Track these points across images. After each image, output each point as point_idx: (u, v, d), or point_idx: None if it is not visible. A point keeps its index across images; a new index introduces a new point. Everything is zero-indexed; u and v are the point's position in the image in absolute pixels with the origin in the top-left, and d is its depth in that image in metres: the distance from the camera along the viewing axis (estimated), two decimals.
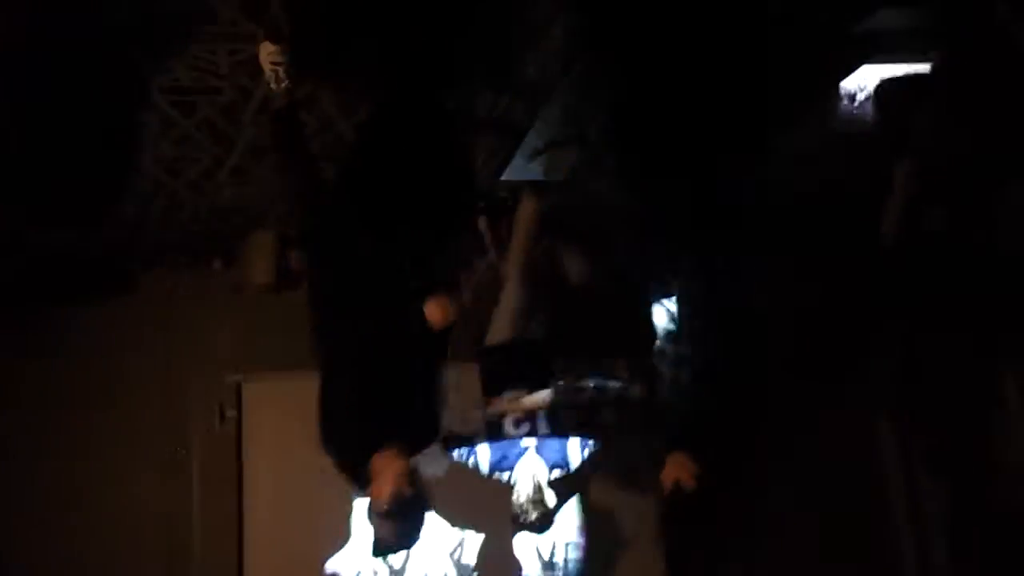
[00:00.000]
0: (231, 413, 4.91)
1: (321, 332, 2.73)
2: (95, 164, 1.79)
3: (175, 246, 4.68)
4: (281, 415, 4.88)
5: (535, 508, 3.24)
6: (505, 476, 3.41)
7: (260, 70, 2.92)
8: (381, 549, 2.63)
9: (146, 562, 4.72)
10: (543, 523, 3.24)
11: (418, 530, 2.62)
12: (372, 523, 2.57)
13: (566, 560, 2.96)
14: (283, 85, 2.82)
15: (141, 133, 1.76)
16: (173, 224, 4.37)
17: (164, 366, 4.91)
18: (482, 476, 3.54)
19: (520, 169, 3.64)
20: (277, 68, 2.77)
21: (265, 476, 4.85)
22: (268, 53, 2.77)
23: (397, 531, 2.55)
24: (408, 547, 2.68)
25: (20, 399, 4.72)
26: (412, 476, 2.52)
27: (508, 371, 3.30)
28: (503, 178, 3.74)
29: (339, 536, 4.73)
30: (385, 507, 2.49)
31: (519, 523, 3.31)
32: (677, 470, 2.56)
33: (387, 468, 2.48)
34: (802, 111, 2.59)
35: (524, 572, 2.86)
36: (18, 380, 4.72)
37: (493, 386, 3.28)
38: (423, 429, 2.72)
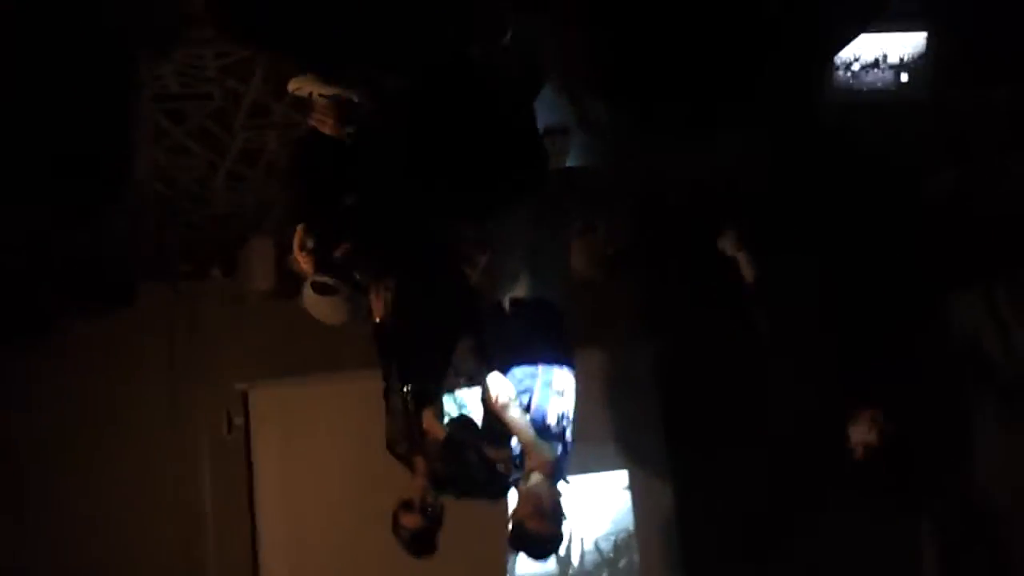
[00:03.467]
0: (239, 421, 4.89)
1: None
2: (91, 169, 1.74)
3: (174, 256, 4.64)
4: (288, 420, 4.91)
5: None
6: None
7: (250, 72, 2.88)
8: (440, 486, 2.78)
9: (163, 571, 4.71)
10: None
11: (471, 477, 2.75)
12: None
13: (561, 426, 2.90)
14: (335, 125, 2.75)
15: (133, 138, 1.73)
16: (171, 234, 4.33)
17: (169, 377, 4.89)
18: None
19: None
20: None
21: (275, 480, 4.86)
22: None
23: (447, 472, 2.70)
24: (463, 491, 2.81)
25: (29, 412, 4.69)
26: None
27: None
28: None
29: (350, 531, 4.78)
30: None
31: None
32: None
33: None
34: (800, 79, 2.55)
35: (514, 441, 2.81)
36: (26, 394, 4.70)
37: None
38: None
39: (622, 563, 5.04)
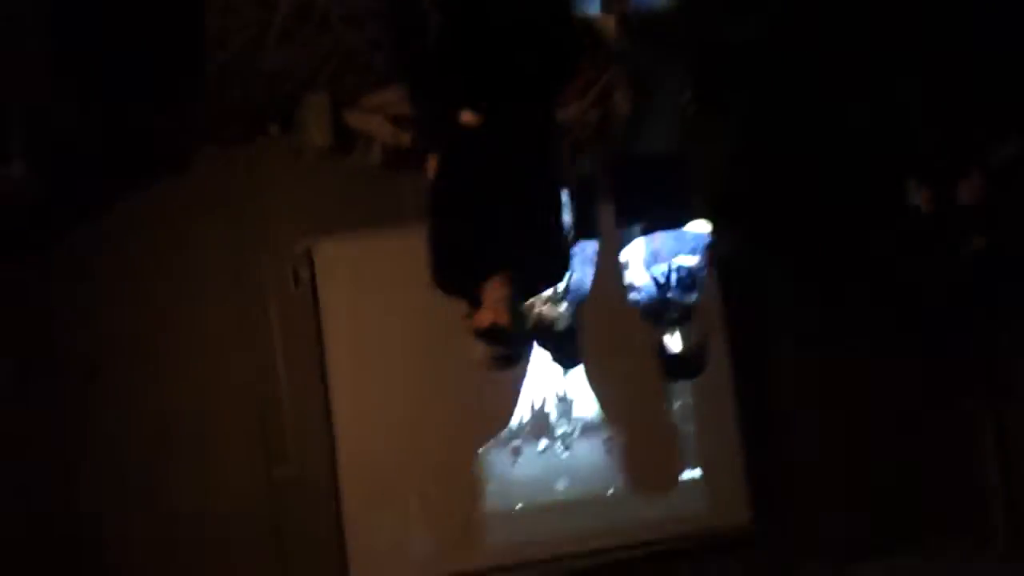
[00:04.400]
0: (305, 275, 4.98)
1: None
2: (145, 39, 1.74)
3: (231, 118, 4.65)
4: (353, 274, 5.01)
5: None
6: None
7: None
8: (488, 366, 2.74)
9: (235, 430, 4.93)
10: None
11: (518, 354, 2.74)
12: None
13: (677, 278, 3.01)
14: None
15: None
16: (226, 96, 4.33)
17: (231, 237, 4.98)
18: None
19: None
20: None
21: (345, 333, 4.98)
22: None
23: (494, 353, 2.65)
24: (508, 367, 2.78)
25: (94, 277, 4.83)
26: (511, 305, 2.56)
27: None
28: None
29: (422, 383, 4.96)
30: (480, 332, 2.57)
31: None
32: None
33: (488, 296, 2.53)
34: None
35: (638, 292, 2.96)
36: (90, 258, 4.83)
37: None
38: (544, 263, 2.69)
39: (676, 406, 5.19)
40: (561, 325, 3.09)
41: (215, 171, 4.94)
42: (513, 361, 2.77)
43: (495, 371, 2.79)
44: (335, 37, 3.78)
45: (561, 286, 2.88)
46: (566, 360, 3.57)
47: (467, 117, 2.55)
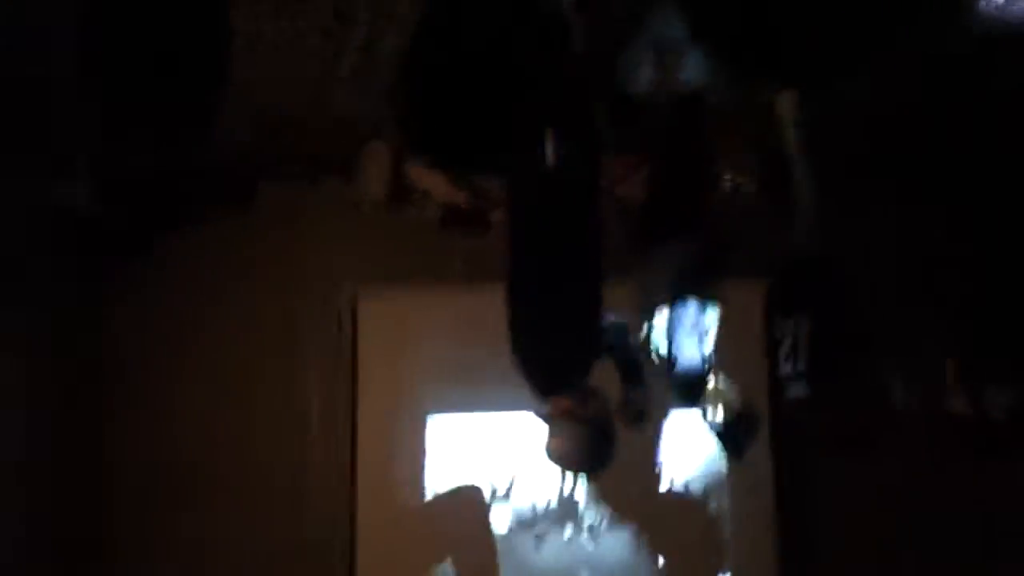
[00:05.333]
0: (348, 325, 4.96)
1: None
2: (203, 76, 1.69)
3: (291, 159, 4.66)
4: (396, 328, 4.96)
5: None
6: None
7: None
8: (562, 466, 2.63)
9: (265, 467, 4.88)
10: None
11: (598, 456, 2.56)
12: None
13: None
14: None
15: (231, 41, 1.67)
16: (289, 136, 4.34)
17: (281, 279, 5.00)
18: None
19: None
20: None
21: (380, 385, 4.92)
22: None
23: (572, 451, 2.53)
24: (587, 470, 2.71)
25: (144, 307, 4.92)
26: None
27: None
28: None
29: (449, 449, 4.84)
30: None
31: None
32: None
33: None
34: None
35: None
36: (143, 289, 4.93)
37: None
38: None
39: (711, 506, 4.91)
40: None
41: (274, 210, 4.99)
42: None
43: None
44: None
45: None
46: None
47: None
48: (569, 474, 2.77)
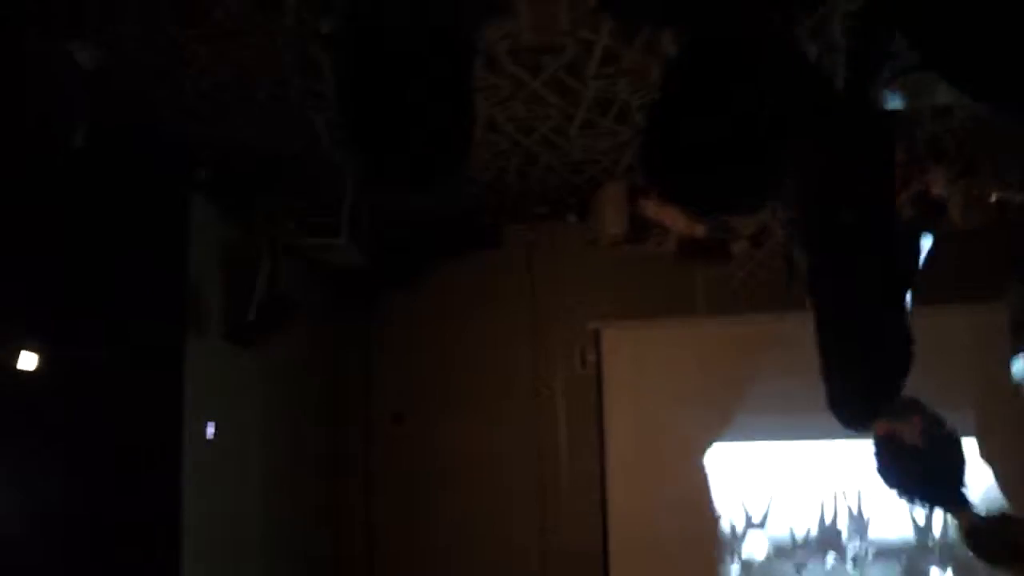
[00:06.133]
0: (591, 357, 5.12)
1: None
2: (446, 126, 1.84)
3: (534, 200, 4.86)
4: (637, 359, 5.04)
5: None
6: None
7: (600, 22, 2.90)
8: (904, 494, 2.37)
9: (518, 494, 5.12)
10: None
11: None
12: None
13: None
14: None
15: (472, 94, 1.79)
16: (530, 179, 4.53)
17: (529, 314, 5.25)
18: None
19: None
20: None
21: (624, 415, 5.02)
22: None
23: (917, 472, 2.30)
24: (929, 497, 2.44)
25: (408, 346, 5.34)
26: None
27: None
28: None
29: (695, 471, 4.82)
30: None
31: None
32: None
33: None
34: None
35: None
36: (408, 331, 5.35)
37: None
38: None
39: None
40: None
41: (520, 248, 5.26)
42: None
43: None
44: (634, 127, 3.82)
45: None
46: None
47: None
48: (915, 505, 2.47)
